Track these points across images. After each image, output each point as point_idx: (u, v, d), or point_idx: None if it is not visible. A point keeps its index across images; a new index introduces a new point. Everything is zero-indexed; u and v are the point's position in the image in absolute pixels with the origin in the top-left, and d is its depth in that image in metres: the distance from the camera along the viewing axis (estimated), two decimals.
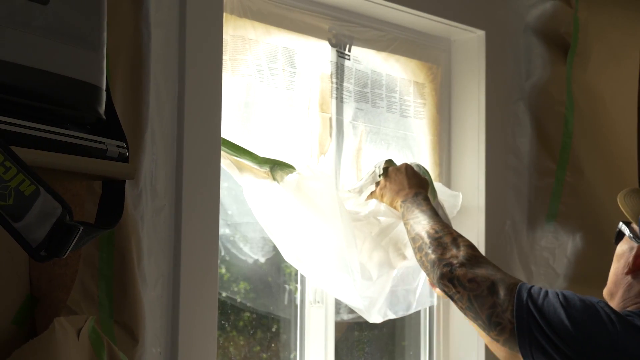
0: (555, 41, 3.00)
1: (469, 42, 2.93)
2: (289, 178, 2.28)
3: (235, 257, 2.46)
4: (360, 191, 2.47)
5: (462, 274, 2.09)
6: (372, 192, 2.46)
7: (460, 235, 2.20)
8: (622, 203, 2.18)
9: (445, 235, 2.18)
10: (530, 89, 3.00)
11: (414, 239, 2.25)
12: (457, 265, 2.10)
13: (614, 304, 2.16)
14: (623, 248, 2.17)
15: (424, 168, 2.52)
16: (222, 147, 2.20)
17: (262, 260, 2.49)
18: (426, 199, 2.34)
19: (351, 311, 2.56)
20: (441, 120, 2.91)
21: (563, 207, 2.95)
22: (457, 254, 2.12)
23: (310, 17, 2.51)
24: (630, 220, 2.16)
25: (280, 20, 2.43)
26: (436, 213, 2.29)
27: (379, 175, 2.45)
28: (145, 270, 1.94)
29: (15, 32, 1.36)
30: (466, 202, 2.68)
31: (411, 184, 2.39)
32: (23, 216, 1.32)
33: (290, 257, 2.34)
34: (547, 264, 2.92)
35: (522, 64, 3.02)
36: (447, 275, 2.10)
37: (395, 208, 2.41)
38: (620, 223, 2.18)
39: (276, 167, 2.28)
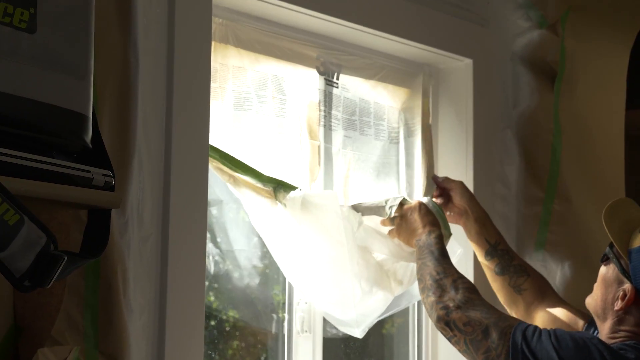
0: (542, 69, 3.02)
1: (457, 70, 2.94)
2: (293, 194, 2.29)
3: (223, 285, 2.45)
4: (362, 214, 2.48)
5: (458, 318, 2.15)
6: (390, 231, 2.49)
7: (461, 277, 2.26)
8: (606, 221, 2.20)
9: (445, 277, 2.23)
10: (517, 117, 3.01)
11: (419, 280, 2.31)
12: (454, 308, 2.17)
13: (603, 330, 2.20)
14: (610, 275, 2.19)
15: (437, 205, 2.55)
16: (224, 162, 2.21)
17: (249, 287, 2.49)
18: (437, 238, 2.37)
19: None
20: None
21: (551, 235, 2.95)
22: (455, 297, 2.18)
23: (298, 45, 2.52)
24: (614, 243, 2.18)
25: (268, 48, 2.43)
26: (444, 253, 2.34)
27: (390, 215, 2.47)
28: (131, 299, 1.92)
29: (2, 60, 1.35)
30: (455, 231, 2.67)
31: (425, 222, 2.41)
32: (7, 246, 1.30)
33: (289, 273, 2.36)
34: None
35: (510, 92, 3.04)
36: (444, 318, 2.17)
37: (411, 246, 2.45)
38: (608, 249, 2.21)
39: (280, 187, 2.29)
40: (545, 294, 2.51)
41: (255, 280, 2.51)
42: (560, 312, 2.44)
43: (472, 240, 2.59)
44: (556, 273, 2.93)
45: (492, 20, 2.98)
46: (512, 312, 2.50)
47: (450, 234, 2.55)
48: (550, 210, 2.97)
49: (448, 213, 2.61)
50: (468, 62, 2.92)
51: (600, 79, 3.11)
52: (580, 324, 2.38)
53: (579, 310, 2.42)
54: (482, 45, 2.95)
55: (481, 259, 2.57)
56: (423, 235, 2.38)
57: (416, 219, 2.43)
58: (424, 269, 2.29)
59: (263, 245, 2.39)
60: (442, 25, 2.82)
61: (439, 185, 2.66)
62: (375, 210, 2.50)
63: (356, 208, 2.48)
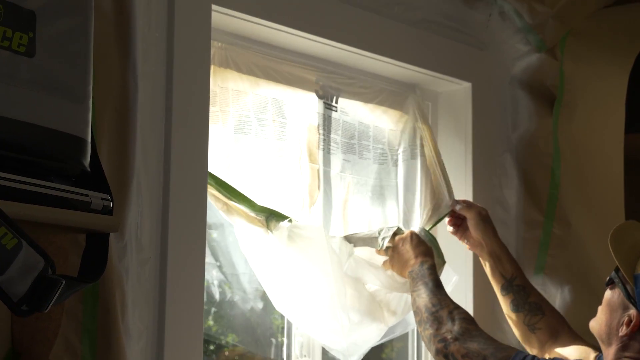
0: (541, 93, 3.02)
1: (456, 94, 2.94)
2: (281, 225, 2.29)
3: (223, 309, 2.44)
4: (355, 245, 2.46)
5: (456, 350, 2.16)
6: (384, 262, 2.48)
7: (457, 307, 2.25)
8: (612, 245, 2.15)
9: (441, 309, 2.23)
10: (516, 140, 3.01)
11: (415, 313, 2.31)
12: (451, 340, 2.18)
13: (608, 356, 2.16)
14: (616, 300, 2.15)
15: (430, 234, 2.54)
16: (219, 189, 2.20)
17: (248, 312, 2.48)
18: (430, 268, 2.36)
19: None
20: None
21: (551, 259, 2.94)
22: (452, 329, 2.18)
23: (298, 69, 2.52)
24: (620, 268, 2.14)
25: (267, 72, 2.43)
26: (438, 284, 2.33)
27: (383, 247, 2.45)
28: (129, 323, 1.91)
29: (1, 84, 1.35)
30: (454, 255, 2.67)
31: (417, 253, 2.40)
32: (5, 270, 1.30)
33: (278, 302, 2.34)
34: None
35: (509, 115, 3.04)
36: (442, 351, 2.17)
37: (404, 277, 2.43)
38: (614, 274, 2.16)
39: (272, 216, 2.28)
40: (559, 333, 2.47)
41: (255, 305, 2.50)
42: (572, 350, 2.40)
43: (487, 272, 2.56)
44: (556, 297, 2.92)
45: (491, 44, 2.99)
46: (527, 349, 2.48)
47: (444, 262, 2.53)
48: (549, 233, 2.96)
49: (465, 242, 2.59)
50: (467, 85, 2.92)
51: (599, 102, 3.11)
52: (592, 357, 2.34)
53: (593, 344, 2.38)
54: (481, 69, 2.95)
55: (497, 292, 2.54)
56: (416, 266, 2.37)
57: (408, 249, 2.42)
58: (419, 302, 2.29)
59: None
60: (441, 49, 2.83)
61: (455, 213, 2.62)
62: (368, 241, 2.48)
63: (349, 239, 2.47)
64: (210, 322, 2.44)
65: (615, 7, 3.12)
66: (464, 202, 2.65)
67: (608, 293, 2.19)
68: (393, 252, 2.45)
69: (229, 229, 2.42)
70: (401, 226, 2.54)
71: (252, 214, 2.27)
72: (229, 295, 2.45)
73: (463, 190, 2.88)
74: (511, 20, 2.94)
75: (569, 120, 3.01)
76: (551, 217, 2.96)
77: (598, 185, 3.08)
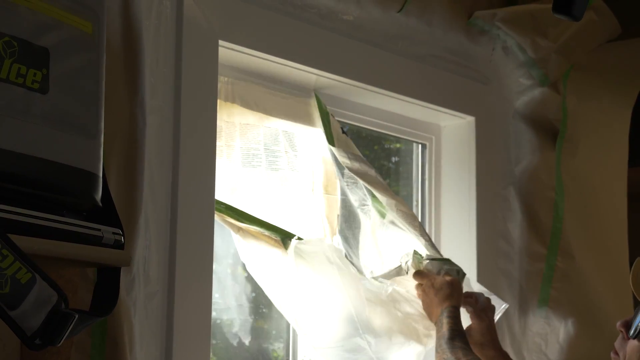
0: (544, 127, 3.03)
1: (459, 127, 2.95)
2: (291, 243, 2.28)
3: (222, 341, 2.44)
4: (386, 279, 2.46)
5: None
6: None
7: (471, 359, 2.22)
8: (635, 286, 2.09)
9: None
10: (520, 174, 3.02)
11: None
12: None
13: None
14: None
15: (443, 261, 2.49)
16: (230, 214, 2.21)
17: (247, 344, 2.47)
18: (448, 316, 2.33)
19: None
20: (431, 205, 2.93)
21: (554, 292, 2.94)
22: None
23: (304, 103, 2.53)
24: None
25: (272, 106, 2.44)
26: (453, 334, 2.29)
27: (406, 272, 2.45)
28: (137, 356, 1.92)
29: (14, 120, 1.36)
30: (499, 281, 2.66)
31: (438, 301, 2.38)
32: (19, 304, 1.31)
33: (299, 328, 2.32)
34: (540, 350, 2.90)
35: (512, 149, 3.05)
36: None
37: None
38: None
39: (287, 238, 2.29)
40: None
41: (253, 336, 2.50)
42: None
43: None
44: (559, 330, 2.91)
45: (494, 78, 3.01)
46: None
47: (464, 275, 2.50)
48: (553, 267, 2.96)
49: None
50: (470, 119, 2.94)
51: (602, 136, 3.13)
52: None
53: None
54: (485, 103, 2.97)
55: None
56: (437, 317, 2.36)
57: (430, 301, 2.40)
58: (437, 356, 2.28)
59: (262, 300, 2.38)
60: (445, 83, 2.85)
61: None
62: (394, 272, 2.45)
63: (383, 277, 2.46)
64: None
65: (618, 42, 3.14)
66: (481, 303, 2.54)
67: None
68: (422, 300, 2.44)
69: (225, 261, 2.43)
70: (416, 249, 2.50)
71: (267, 233, 2.27)
72: (227, 327, 2.45)
73: (467, 223, 2.89)
74: (514, 55, 2.96)
75: (572, 154, 3.03)
76: (554, 251, 2.96)
77: (601, 219, 3.09)
